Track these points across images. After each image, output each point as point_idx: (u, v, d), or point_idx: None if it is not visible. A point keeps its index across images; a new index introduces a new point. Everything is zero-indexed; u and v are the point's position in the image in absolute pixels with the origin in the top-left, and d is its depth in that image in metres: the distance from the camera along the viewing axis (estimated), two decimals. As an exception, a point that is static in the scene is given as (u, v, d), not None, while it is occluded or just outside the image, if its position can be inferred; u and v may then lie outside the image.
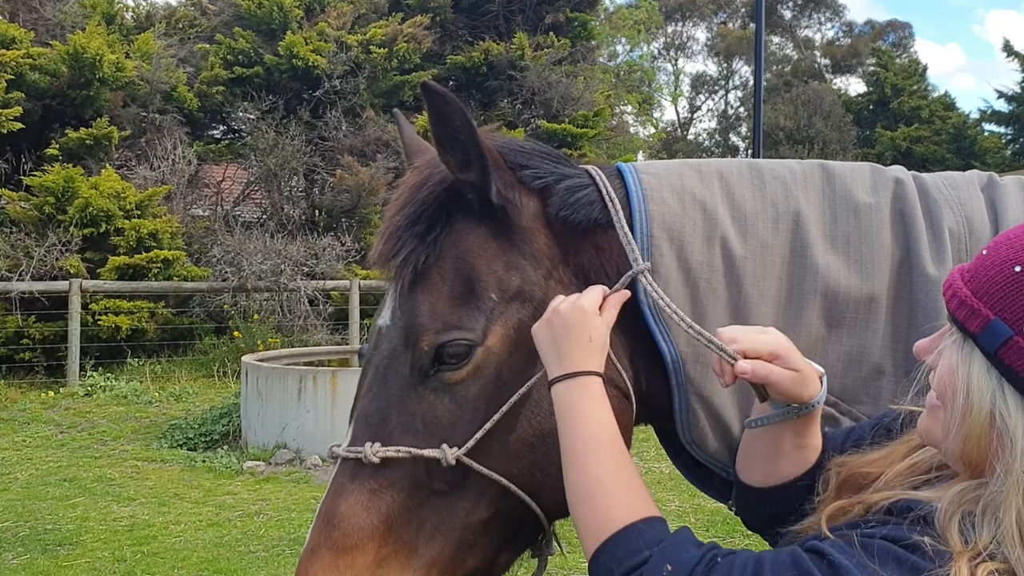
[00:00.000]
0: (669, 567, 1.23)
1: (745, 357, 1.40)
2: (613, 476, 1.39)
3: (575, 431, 1.45)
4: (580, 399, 1.48)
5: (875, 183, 1.80)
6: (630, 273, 1.64)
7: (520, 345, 1.61)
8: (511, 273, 1.63)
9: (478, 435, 1.56)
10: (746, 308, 1.69)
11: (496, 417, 1.56)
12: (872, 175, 1.83)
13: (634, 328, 1.68)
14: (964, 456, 1.21)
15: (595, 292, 1.59)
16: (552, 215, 1.69)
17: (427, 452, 1.56)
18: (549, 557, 1.76)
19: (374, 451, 1.56)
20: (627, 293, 1.63)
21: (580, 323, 1.53)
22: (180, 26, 18.71)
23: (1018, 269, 1.16)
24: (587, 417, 1.46)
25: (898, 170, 1.87)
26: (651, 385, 1.72)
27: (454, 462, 1.54)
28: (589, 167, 1.77)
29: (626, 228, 1.67)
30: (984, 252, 1.24)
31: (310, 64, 16.78)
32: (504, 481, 1.57)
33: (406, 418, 1.60)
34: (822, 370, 1.47)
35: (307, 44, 16.89)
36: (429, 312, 1.62)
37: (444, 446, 1.55)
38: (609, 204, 1.69)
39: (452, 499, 1.59)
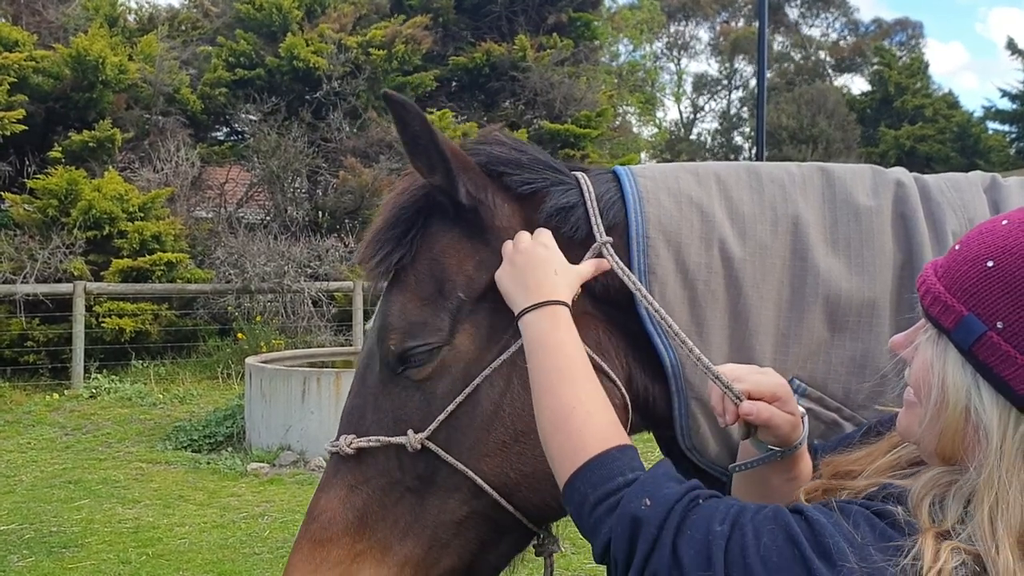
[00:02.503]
0: (648, 501, 1.18)
1: (749, 397, 1.36)
2: (586, 403, 1.35)
3: (547, 360, 1.42)
4: (550, 328, 1.46)
5: (876, 186, 1.78)
6: (594, 246, 1.65)
7: (492, 342, 1.62)
8: (481, 272, 1.65)
9: (440, 417, 1.59)
10: (746, 311, 1.68)
11: (459, 399, 1.59)
12: (873, 177, 1.81)
13: (631, 332, 1.68)
14: (939, 451, 1.20)
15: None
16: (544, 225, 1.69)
17: (394, 439, 1.61)
18: (554, 559, 1.76)
19: (347, 442, 1.62)
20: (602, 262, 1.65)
21: (545, 257, 1.55)
22: (183, 28, 18.71)
23: (990, 264, 1.15)
24: (557, 345, 1.43)
25: (900, 172, 1.85)
26: (650, 390, 1.71)
27: (419, 447, 1.58)
28: (579, 174, 1.76)
29: (597, 215, 1.67)
30: (957, 247, 1.22)
31: (311, 65, 16.77)
32: (470, 473, 1.59)
33: (379, 415, 1.66)
34: (803, 410, 1.44)
35: (308, 45, 16.88)
36: (399, 312, 1.67)
37: (409, 432, 1.60)
38: (592, 215, 1.68)
39: (424, 497, 1.62)
